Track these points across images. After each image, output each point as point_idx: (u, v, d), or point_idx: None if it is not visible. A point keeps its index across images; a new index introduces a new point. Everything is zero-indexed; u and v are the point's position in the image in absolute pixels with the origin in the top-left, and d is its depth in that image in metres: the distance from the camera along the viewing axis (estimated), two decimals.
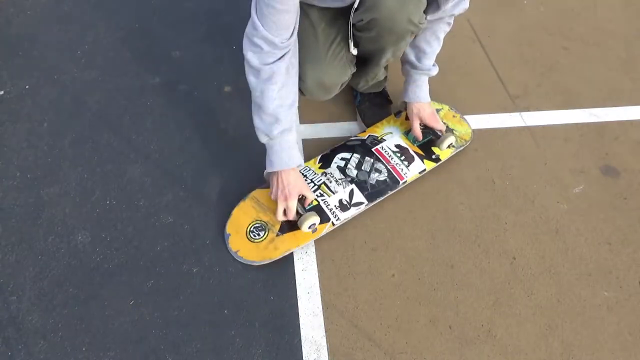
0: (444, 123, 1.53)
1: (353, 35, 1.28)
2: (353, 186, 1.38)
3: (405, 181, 1.41)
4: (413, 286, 1.27)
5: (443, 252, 1.34)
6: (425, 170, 1.44)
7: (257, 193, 1.37)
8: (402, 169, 1.42)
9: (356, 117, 1.61)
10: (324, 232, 1.31)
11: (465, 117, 1.59)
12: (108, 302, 1.22)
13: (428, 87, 1.45)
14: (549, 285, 1.29)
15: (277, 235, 1.29)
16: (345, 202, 1.35)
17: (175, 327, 1.19)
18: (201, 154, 1.51)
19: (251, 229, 1.31)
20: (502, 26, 1.94)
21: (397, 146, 1.47)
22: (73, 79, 1.68)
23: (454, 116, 1.59)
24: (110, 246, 1.31)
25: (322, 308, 1.23)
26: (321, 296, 1.25)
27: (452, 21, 1.34)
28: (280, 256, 1.27)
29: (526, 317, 1.23)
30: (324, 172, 1.41)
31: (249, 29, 1.12)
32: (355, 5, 1.19)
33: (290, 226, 1.30)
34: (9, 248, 1.30)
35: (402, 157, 1.45)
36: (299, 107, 1.59)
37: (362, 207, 1.35)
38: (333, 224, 1.32)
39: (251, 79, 1.17)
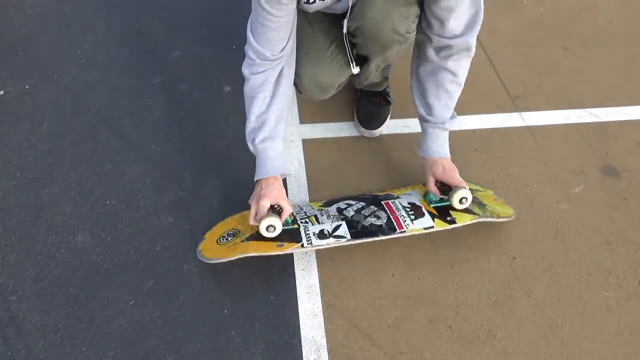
0: (472, 190, 1.31)
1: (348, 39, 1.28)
2: (343, 223, 1.26)
3: (404, 231, 1.24)
4: (413, 286, 1.27)
5: (443, 253, 1.34)
6: (432, 227, 1.25)
7: (247, 212, 1.28)
8: (405, 221, 1.26)
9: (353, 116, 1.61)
10: (289, 250, 1.20)
11: (467, 116, 1.58)
12: (108, 302, 1.22)
13: (445, 140, 1.31)
14: (549, 285, 1.28)
15: (243, 241, 1.23)
16: (326, 232, 1.23)
17: (175, 327, 1.19)
18: (201, 154, 1.51)
19: (223, 235, 1.28)
20: (502, 26, 1.94)
21: (410, 204, 1.32)
22: (73, 79, 1.68)
23: (495, 199, 1.40)
24: (110, 246, 1.31)
25: (322, 308, 1.23)
26: (321, 296, 1.25)
27: (456, 70, 1.22)
28: (233, 258, 1.19)
29: (526, 317, 1.23)
30: (321, 208, 1.33)
31: (246, 46, 1.19)
32: (348, 15, 1.20)
33: (259, 236, 1.21)
34: (9, 248, 1.30)
35: (411, 212, 1.29)
36: (299, 107, 1.60)
37: (342, 242, 1.22)
38: (302, 246, 1.20)
39: (244, 88, 1.24)
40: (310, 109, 1.61)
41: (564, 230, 1.39)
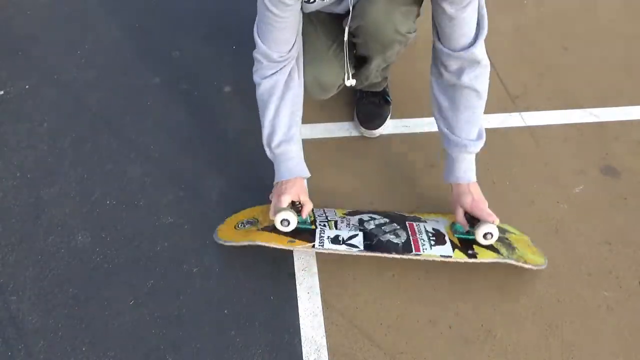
0: (504, 231, 1.28)
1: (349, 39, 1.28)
2: (360, 233, 1.22)
3: (419, 254, 1.18)
4: (413, 286, 1.27)
5: None
6: (449, 257, 1.19)
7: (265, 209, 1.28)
8: (424, 245, 1.21)
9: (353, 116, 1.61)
10: (298, 247, 1.19)
11: None
12: (108, 302, 1.22)
13: (471, 164, 1.24)
14: (549, 285, 1.28)
15: (258, 230, 1.23)
16: (340, 239, 1.20)
17: (175, 327, 1.19)
18: (201, 154, 1.51)
19: (242, 221, 1.30)
20: (502, 26, 1.94)
21: (435, 230, 1.26)
22: (73, 79, 1.68)
23: (529, 246, 1.31)
24: (110, 246, 1.31)
25: (322, 308, 1.23)
26: (321, 296, 1.25)
27: (473, 85, 1.16)
28: (244, 243, 1.20)
29: (526, 317, 1.23)
30: (344, 216, 1.30)
31: (254, 51, 1.19)
32: (351, 14, 1.20)
33: (274, 228, 1.20)
34: (9, 248, 1.30)
35: (432, 238, 1.23)
36: None
37: (354, 251, 1.19)
38: (313, 247, 1.18)
39: (256, 94, 1.23)
40: (310, 109, 1.61)
41: (564, 230, 1.39)
